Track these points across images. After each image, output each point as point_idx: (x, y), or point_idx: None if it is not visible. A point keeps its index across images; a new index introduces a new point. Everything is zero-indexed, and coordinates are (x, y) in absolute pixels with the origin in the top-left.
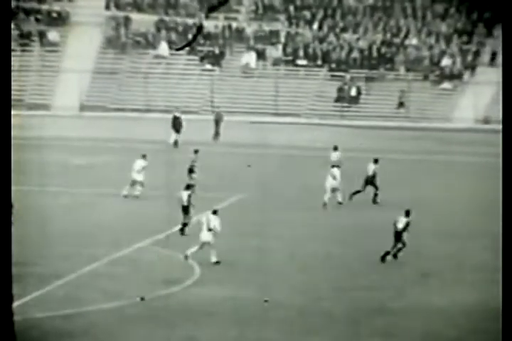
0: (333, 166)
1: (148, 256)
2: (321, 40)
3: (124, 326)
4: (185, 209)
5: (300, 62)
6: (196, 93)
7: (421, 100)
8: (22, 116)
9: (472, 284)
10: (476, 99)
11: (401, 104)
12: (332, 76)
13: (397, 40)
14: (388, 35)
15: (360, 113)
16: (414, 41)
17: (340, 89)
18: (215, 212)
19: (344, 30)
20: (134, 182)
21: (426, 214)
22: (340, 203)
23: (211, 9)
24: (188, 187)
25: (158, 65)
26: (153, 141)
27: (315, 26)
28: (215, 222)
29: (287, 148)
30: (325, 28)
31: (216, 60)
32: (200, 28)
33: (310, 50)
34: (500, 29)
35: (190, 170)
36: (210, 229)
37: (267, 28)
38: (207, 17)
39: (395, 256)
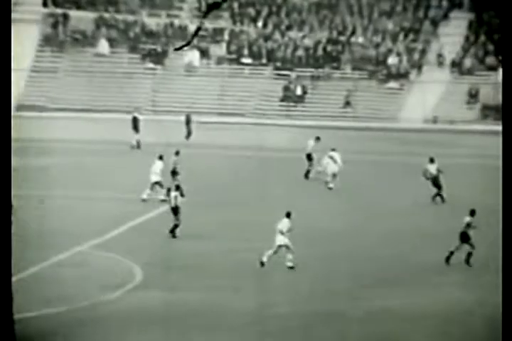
0: (332, 149)
1: (90, 260)
2: (266, 38)
3: (65, 330)
4: (175, 211)
5: (245, 60)
6: (138, 92)
7: (368, 99)
8: None
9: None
10: (423, 99)
11: (347, 104)
12: (277, 75)
13: (343, 38)
14: (334, 33)
15: (306, 112)
16: (360, 39)
17: (285, 88)
18: (288, 215)
19: (289, 28)
20: (153, 185)
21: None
22: (330, 188)
23: (210, 8)
24: (177, 188)
25: (98, 64)
26: (107, 141)
27: (260, 24)
28: (287, 225)
29: (232, 149)
30: (270, 26)
31: (158, 58)
32: (199, 28)
33: (255, 49)
34: (446, 27)
35: (174, 172)
36: (282, 233)
37: (210, 25)
38: (205, 17)
39: (467, 262)
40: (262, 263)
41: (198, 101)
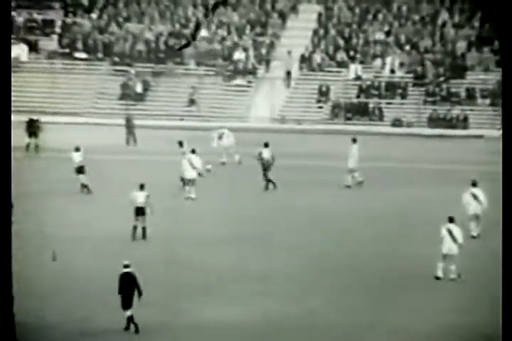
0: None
1: None
2: (102, 31)
3: None
4: (141, 211)
5: (78, 55)
6: None
7: (213, 97)
8: None
9: None
10: (271, 97)
11: (192, 102)
12: (115, 70)
13: (186, 32)
14: (177, 26)
15: (147, 111)
16: (204, 33)
17: (124, 85)
18: None
19: (128, 19)
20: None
21: None
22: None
23: (212, 8)
24: (142, 187)
25: None
26: None
27: (94, 15)
28: None
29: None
30: (105, 17)
31: None
32: (198, 26)
33: (90, 42)
34: (294, 20)
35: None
36: None
37: (39, 16)
38: (206, 16)
39: None
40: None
41: (24, 99)
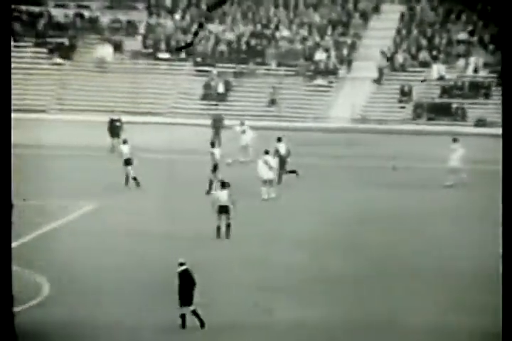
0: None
1: None
2: (185, 32)
3: None
4: (224, 209)
5: (162, 55)
6: (43, 90)
7: (294, 97)
8: None
9: None
10: (352, 97)
11: (273, 102)
12: (197, 71)
13: (267, 32)
14: (258, 27)
15: (229, 111)
16: (285, 33)
17: (206, 86)
18: None
19: (210, 20)
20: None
21: None
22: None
23: (212, 8)
24: (224, 185)
25: None
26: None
27: (177, 16)
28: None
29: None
30: (188, 18)
31: (66, 52)
32: (200, 26)
33: (173, 43)
34: (377, 20)
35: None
36: None
37: (123, 17)
38: (210, 11)
39: None
40: None
41: (110, 99)
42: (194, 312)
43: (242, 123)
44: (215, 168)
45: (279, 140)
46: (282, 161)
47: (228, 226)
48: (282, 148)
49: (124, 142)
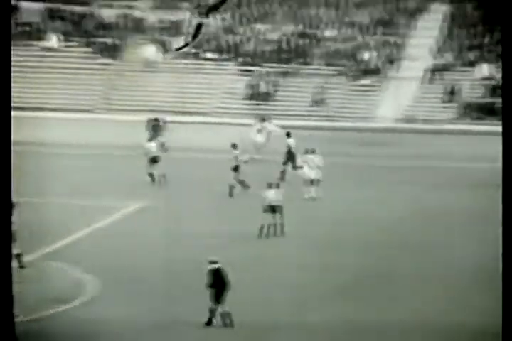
0: (308, 152)
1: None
2: (230, 31)
3: None
4: (274, 209)
5: (207, 55)
6: (91, 89)
7: (339, 97)
8: None
9: None
10: (398, 96)
11: (317, 102)
12: (242, 70)
13: (312, 32)
14: (303, 26)
15: (274, 111)
16: (330, 33)
17: (251, 85)
18: None
19: (255, 20)
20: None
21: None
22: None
23: (212, 8)
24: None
25: (47, 58)
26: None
27: (222, 16)
28: None
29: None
30: (235, 18)
31: (113, 52)
32: (199, 26)
33: (217, 43)
34: (423, 19)
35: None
36: None
37: (170, 17)
38: (207, 15)
39: None
40: None
41: (156, 99)
42: (223, 313)
43: (263, 120)
44: (236, 168)
45: (288, 135)
46: (292, 156)
47: (281, 225)
48: (292, 144)
49: (151, 139)
